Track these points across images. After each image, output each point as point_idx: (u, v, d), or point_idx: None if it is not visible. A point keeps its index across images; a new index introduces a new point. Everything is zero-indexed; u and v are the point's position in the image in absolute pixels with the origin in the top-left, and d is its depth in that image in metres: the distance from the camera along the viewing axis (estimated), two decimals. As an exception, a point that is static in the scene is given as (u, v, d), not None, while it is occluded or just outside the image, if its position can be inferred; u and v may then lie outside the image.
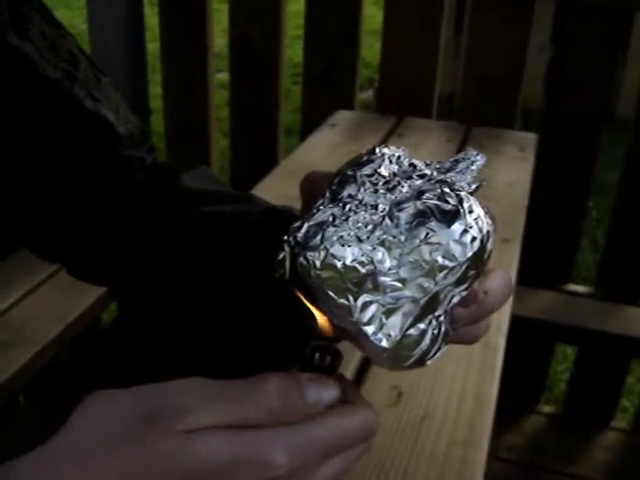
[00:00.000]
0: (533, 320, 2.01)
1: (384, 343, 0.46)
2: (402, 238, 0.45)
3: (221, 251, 0.66)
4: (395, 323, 0.45)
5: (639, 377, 2.51)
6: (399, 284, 0.45)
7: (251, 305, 0.63)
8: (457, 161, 0.52)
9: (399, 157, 0.52)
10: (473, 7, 1.90)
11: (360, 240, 0.45)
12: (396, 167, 0.51)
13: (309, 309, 0.48)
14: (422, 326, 0.46)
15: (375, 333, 0.45)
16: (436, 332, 0.47)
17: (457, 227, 0.45)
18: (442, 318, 0.47)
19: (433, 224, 0.45)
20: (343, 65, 2.03)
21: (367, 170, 0.50)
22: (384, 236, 0.45)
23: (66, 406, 0.44)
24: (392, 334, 0.46)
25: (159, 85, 2.32)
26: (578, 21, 1.84)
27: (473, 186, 0.50)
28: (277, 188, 1.32)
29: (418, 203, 0.46)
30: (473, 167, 0.51)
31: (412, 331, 0.46)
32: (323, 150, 1.57)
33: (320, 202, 0.48)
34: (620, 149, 1.99)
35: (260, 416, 0.42)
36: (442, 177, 0.49)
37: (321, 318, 0.48)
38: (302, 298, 0.47)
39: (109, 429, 0.41)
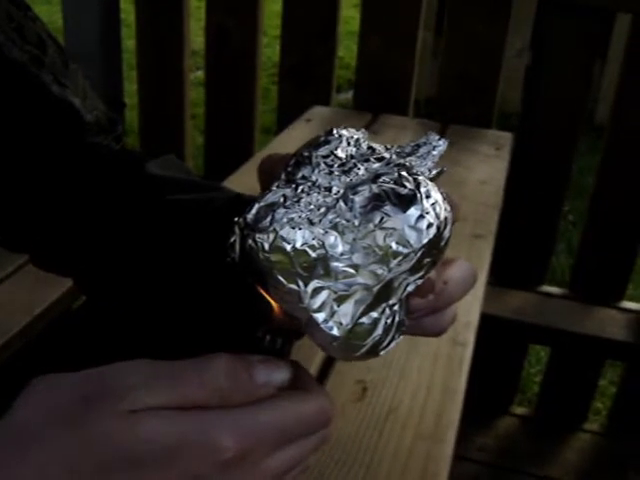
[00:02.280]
0: (506, 320, 2.02)
1: (335, 331, 0.44)
2: (356, 222, 0.44)
3: (183, 238, 0.65)
4: (347, 311, 0.44)
5: (612, 379, 2.51)
6: (352, 270, 0.44)
7: (205, 289, 0.62)
8: (418, 145, 0.51)
9: (357, 139, 0.51)
10: (451, 6, 1.91)
11: (312, 223, 0.44)
12: (354, 149, 0.50)
13: (262, 295, 0.46)
14: (375, 315, 0.45)
15: (326, 321, 0.44)
16: (390, 321, 0.45)
17: (413, 212, 0.44)
18: (396, 307, 0.46)
19: (388, 208, 0.43)
20: (319, 62, 2.02)
21: (323, 151, 0.48)
22: (337, 219, 0.44)
23: (14, 392, 0.43)
24: (343, 322, 0.44)
25: (136, 82, 2.30)
26: (557, 23, 1.84)
27: (434, 172, 0.49)
28: (248, 181, 1.30)
29: (374, 186, 0.45)
30: (434, 152, 0.50)
31: (364, 320, 0.44)
32: (297, 144, 1.55)
33: (275, 184, 0.47)
34: (598, 154, 2.00)
35: (207, 396, 0.41)
36: (401, 161, 0.48)
37: (275, 304, 0.46)
38: (253, 283, 0.46)
39: (50, 411, 0.40)
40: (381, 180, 0.45)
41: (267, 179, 0.55)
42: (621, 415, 2.24)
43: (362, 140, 0.51)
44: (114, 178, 0.70)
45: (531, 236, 2.09)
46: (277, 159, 0.55)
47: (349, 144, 0.50)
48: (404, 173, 0.45)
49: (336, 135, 0.50)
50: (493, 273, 2.09)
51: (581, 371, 2.20)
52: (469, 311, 0.95)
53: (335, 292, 0.44)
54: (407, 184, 0.44)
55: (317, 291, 0.44)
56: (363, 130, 0.52)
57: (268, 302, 0.47)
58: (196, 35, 2.46)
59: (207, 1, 2.07)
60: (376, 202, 0.44)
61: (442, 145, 0.51)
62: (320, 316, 0.44)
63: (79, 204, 0.69)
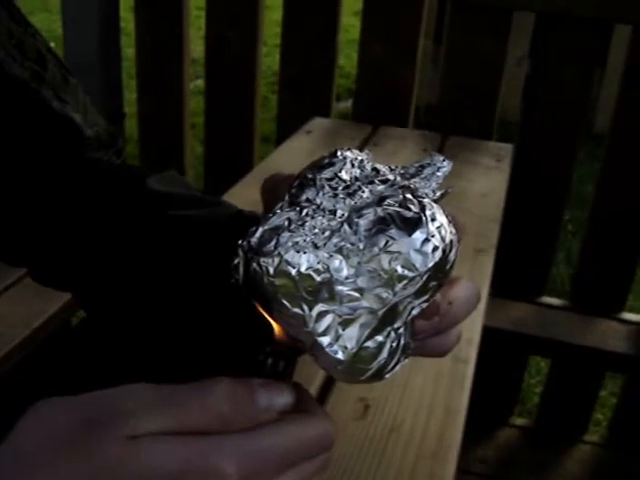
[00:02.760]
0: (507, 332, 2.01)
1: (340, 355, 0.44)
2: (361, 246, 0.43)
3: (186, 255, 0.65)
4: (352, 335, 0.44)
5: (612, 391, 2.51)
6: (356, 294, 0.43)
7: (206, 308, 0.61)
8: (422, 167, 0.50)
9: (362, 161, 0.50)
10: (452, 16, 1.91)
11: (316, 247, 0.43)
12: (358, 171, 0.49)
13: (265, 317, 0.46)
14: (380, 338, 0.44)
15: (331, 345, 0.44)
16: (395, 345, 0.45)
17: (418, 236, 0.43)
18: (401, 330, 0.45)
19: (393, 232, 0.43)
20: (319, 72, 2.02)
21: (327, 173, 0.48)
22: (342, 243, 0.43)
23: (15, 415, 0.42)
24: (348, 346, 0.44)
25: (135, 91, 2.30)
26: (556, 34, 1.85)
27: (438, 193, 0.48)
28: (249, 193, 1.30)
29: (378, 209, 0.44)
30: (439, 173, 0.50)
31: (369, 343, 0.44)
32: (297, 156, 1.56)
33: (279, 206, 0.46)
34: (597, 163, 2.00)
35: (209, 421, 0.40)
36: (405, 183, 0.47)
37: (278, 327, 0.46)
38: (256, 306, 0.46)
39: (52, 435, 0.39)
40: (386, 203, 0.44)
41: (270, 199, 0.54)
42: (621, 427, 2.24)
43: (366, 161, 0.50)
44: (115, 194, 0.69)
45: (531, 247, 2.08)
46: (280, 179, 0.55)
47: (353, 166, 0.49)
48: (409, 196, 0.45)
49: (340, 157, 0.50)
50: (493, 285, 2.08)
51: (581, 383, 2.20)
52: (471, 328, 0.94)
53: (340, 316, 0.43)
54: (412, 207, 0.44)
55: (322, 315, 0.43)
56: (367, 151, 0.52)
57: (270, 324, 0.46)
58: (196, 44, 2.46)
59: (207, 11, 2.08)
60: (381, 225, 0.43)
61: (446, 166, 0.51)
62: (325, 340, 0.44)
63: (79, 219, 0.69)
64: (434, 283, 0.45)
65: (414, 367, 0.84)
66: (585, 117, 1.93)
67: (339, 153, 0.50)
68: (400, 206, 0.44)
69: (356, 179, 0.48)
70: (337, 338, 0.44)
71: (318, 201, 0.46)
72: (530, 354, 2.25)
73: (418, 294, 0.44)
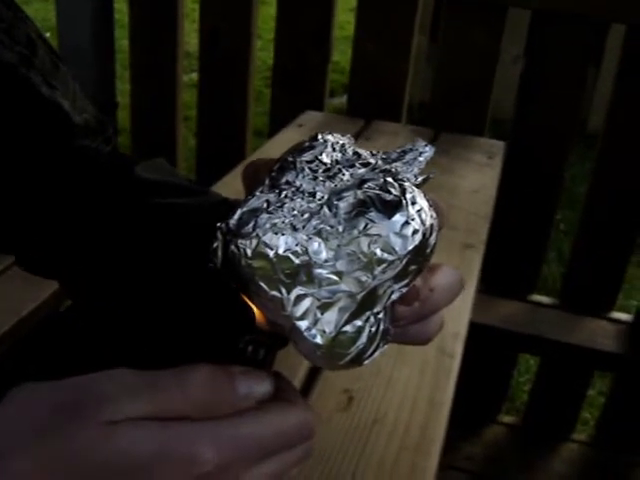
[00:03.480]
0: (496, 329, 2.02)
1: (318, 340, 0.43)
2: (340, 228, 0.43)
3: (168, 242, 0.65)
4: (330, 319, 0.43)
5: (601, 390, 2.52)
6: (335, 277, 0.43)
7: (188, 295, 0.61)
8: (404, 152, 0.50)
9: (343, 145, 0.50)
10: (447, 12, 1.91)
11: (295, 229, 0.43)
12: (339, 155, 0.49)
13: (245, 302, 0.46)
14: (359, 323, 0.44)
15: (309, 329, 0.43)
16: (374, 330, 0.45)
17: (398, 219, 0.43)
18: (381, 315, 0.45)
19: (373, 214, 0.43)
20: (313, 67, 2.02)
21: (307, 156, 0.48)
22: (321, 225, 0.43)
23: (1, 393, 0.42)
24: (327, 330, 0.43)
25: (129, 82, 2.30)
26: (551, 31, 1.85)
27: (420, 178, 0.48)
28: (239, 185, 1.30)
29: (358, 192, 0.44)
30: (421, 158, 0.49)
31: (348, 328, 0.44)
32: (289, 149, 1.56)
33: (259, 189, 0.46)
34: (590, 163, 2.00)
35: (187, 407, 0.40)
36: (387, 167, 0.47)
37: (259, 312, 0.46)
38: (236, 290, 0.45)
39: (29, 420, 0.39)
40: (366, 186, 0.44)
41: (251, 184, 0.54)
42: (609, 426, 2.24)
43: (348, 146, 0.50)
44: (102, 181, 0.69)
45: (522, 245, 2.09)
46: (261, 164, 0.55)
47: (334, 149, 0.49)
48: (389, 179, 0.45)
49: (321, 140, 0.50)
50: (483, 281, 2.09)
51: (570, 381, 2.20)
52: (458, 322, 0.94)
53: (318, 299, 0.43)
54: (392, 190, 0.44)
55: (300, 298, 0.43)
56: (349, 136, 0.51)
57: (251, 310, 0.46)
58: (190, 37, 2.45)
59: (201, 4, 2.07)
60: (361, 208, 0.43)
61: (428, 151, 0.51)
62: (303, 324, 0.43)
63: (66, 206, 0.68)
64: (414, 267, 0.44)
65: (399, 359, 0.84)
66: (579, 115, 1.93)
67: (320, 137, 0.50)
68: (380, 189, 0.44)
69: (337, 162, 0.48)
70: (315, 322, 0.43)
71: (298, 183, 0.46)
72: (519, 352, 2.25)
73: (398, 278, 0.44)
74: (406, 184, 0.45)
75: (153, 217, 0.66)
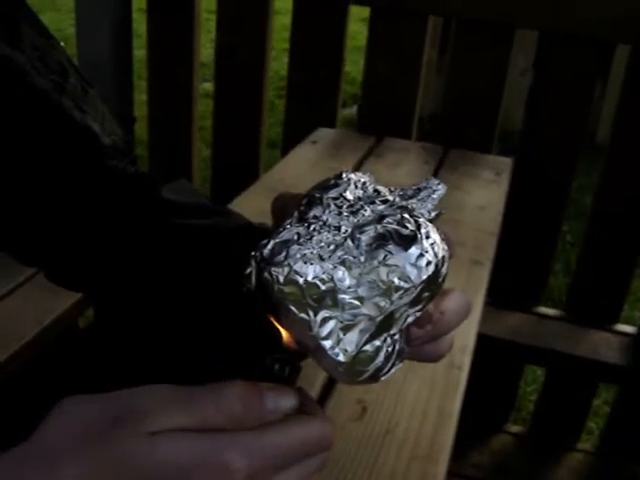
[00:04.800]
0: (503, 341, 2.05)
1: (340, 357, 0.48)
2: (362, 259, 0.48)
3: (195, 263, 0.69)
4: (352, 339, 0.48)
5: (606, 399, 2.54)
6: (357, 302, 0.48)
7: (217, 315, 0.65)
8: (419, 189, 0.55)
9: (364, 183, 0.55)
10: (457, 30, 1.95)
11: (322, 259, 0.48)
12: (361, 192, 0.54)
13: (273, 323, 0.50)
14: (377, 343, 0.49)
15: (332, 347, 0.48)
16: (390, 349, 0.50)
17: (414, 251, 0.48)
18: (397, 336, 0.50)
19: (391, 247, 0.48)
20: (326, 81, 2.06)
21: (333, 193, 0.53)
22: (345, 256, 0.48)
23: (38, 412, 0.46)
24: (348, 349, 0.48)
25: (145, 92, 2.34)
26: (559, 49, 1.89)
27: (433, 214, 0.53)
28: (256, 203, 1.34)
29: (378, 227, 0.49)
30: (434, 195, 0.55)
31: (367, 347, 0.49)
32: (303, 166, 1.60)
33: (288, 221, 0.51)
34: (598, 174, 2.02)
35: (220, 420, 0.44)
36: (403, 203, 0.52)
37: (285, 332, 0.50)
38: (265, 312, 0.50)
39: (78, 432, 0.43)
40: (385, 221, 0.49)
41: (280, 215, 0.59)
42: (613, 436, 2.26)
43: (368, 183, 0.55)
44: (131, 201, 0.73)
45: (528, 258, 2.12)
46: (288, 198, 0.60)
47: (356, 187, 0.54)
48: (406, 215, 0.50)
49: (345, 179, 0.55)
50: (491, 294, 2.12)
51: (575, 392, 2.23)
52: (466, 336, 0.98)
53: (341, 322, 0.48)
54: (409, 225, 0.49)
55: (325, 320, 0.48)
56: (369, 174, 0.56)
57: (278, 330, 0.51)
58: (204, 47, 2.48)
59: (217, 20, 2.12)
60: (380, 241, 0.48)
61: (441, 189, 0.56)
62: (327, 343, 0.48)
63: (96, 226, 0.72)
64: (427, 294, 0.50)
65: (410, 373, 0.88)
66: (586, 129, 1.96)
67: (344, 175, 0.55)
68: (398, 224, 0.49)
69: (359, 199, 0.53)
70: (338, 342, 0.48)
71: (324, 218, 0.51)
72: (525, 363, 2.28)
73: (413, 303, 0.49)
74: (421, 220, 0.50)
75: (180, 237, 0.70)
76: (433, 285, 0.50)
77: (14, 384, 1.34)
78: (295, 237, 0.49)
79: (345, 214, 0.51)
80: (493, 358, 2.20)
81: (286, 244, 0.49)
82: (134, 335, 0.77)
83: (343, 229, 0.50)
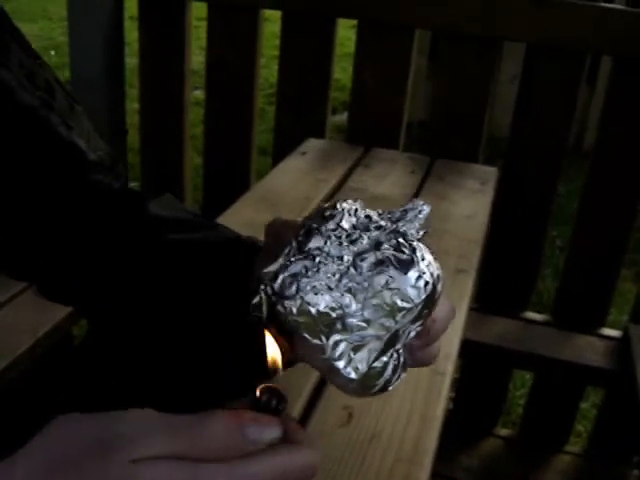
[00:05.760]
0: (491, 346, 2.08)
1: (353, 375, 0.53)
2: (365, 285, 0.52)
3: (186, 278, 0.71)
4: (362, 358, 0.53)
5: (594, 402, 2.57)
6: (364, 324, 0.53)
7: (210, 334, 0.68)
8: (406, 211, 0.59)
9: (356, 210, 0.59)
10: (443, 42, 1.98)
11: (330, 288, 0.52)
12: (354, 219, 0.58)
13: (260, 347, 0.54)
14: (385, 359, 0.54)
15: (345, 367, 0.53)
16: (396, 363, 0.54)
17: (412, 274, 0.53)
18: (401, 350, 0.54)
19: (392, 272, 0.53)
20: (315, 92, 2.10)
21: (331, 225, 0.56)
22: (350, 284, 0.53)
23: (33, 421, 0.48)
24: (359, 367, 0.53)
25: (136, 100, 2.36)
26: (542, 60, 1.92)
27: (421, 232, 0.57)
28: (246, 214, 1.37)
29: (378, 253, 0.54)
30: (420, 215, 0.58)
31: (377, 364, 0.53)
32: (292, 177, 1.62)
33: (287, 250, 0.55)
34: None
35: (203, 450, 0.45)
36: (395, 227, 0.56)
37: (273, 356, 0.54)
38: (265, 335, 0.53)
39: (61, 457, 0.44)
40: (383, 247, 0.54)
41: (273, 242, 0.63)
42: (601, 438, 2.29)
43: (360, 209, 0.59)
44: (117, 217, 0.75)
45: (516, 265, 2.15)
46: (280, 224, 0.64)
47: (350, 215, 0.58)
48: (401, 240, 0.54)
49: (339, 209, 0.58)
50: (479, 300, 2.16)
51: (563, 396, 2.26)
52: (450, 343, 1.00)
53: (351, 343, 0.53)
54: (405, 250, 0.54)
55: (337, 344, 0.53)
56: (360, 200, 0.60)
57: (266, 356, 0.54)
58: (195, 54, 2.50)
59: (208, 34, 2.15)
60: (381, 267, 0.53)
61: (426, 209, 0.59)
62: (340, 364, 0.53)
63: (83, 241, 0.74)
64: (426, 310, 0.54)
65: (396, 380, 0.90)
66: (568, 138, 1.99)
67: (338, 205, 0.59)
68: (395, 250, 0.54)
69: (354, 227, 0.57)
70: (350, 361, 0.53)
71: (327, 249, 0.55)
72: (513, 367, 2.31)
73: (414, 321, 0.54)
74: (415, 243, 0.55)
75: (171, 253, 0.72)
76: (431, 302, 0.54)
77: (10, 394, 1.36)
78: (303, 270, 0.53)
79: (345, 244, 0.55)
80: (482, 363, 2.23)
81: (296, 277, 0.53)
82: (125, 349, 0.79)
83: (345, 258, 0.54)
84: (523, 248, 2.13)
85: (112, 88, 2.30)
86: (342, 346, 0.53)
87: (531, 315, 2.20)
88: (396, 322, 0.53)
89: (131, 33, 2.32)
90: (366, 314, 0.52)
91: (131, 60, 2.41)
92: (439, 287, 0.55)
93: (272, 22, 3.06)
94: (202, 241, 0.73)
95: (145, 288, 0.73)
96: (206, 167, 2.36)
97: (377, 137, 1.99)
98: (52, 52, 6.13)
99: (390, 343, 0.53)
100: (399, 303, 0.52)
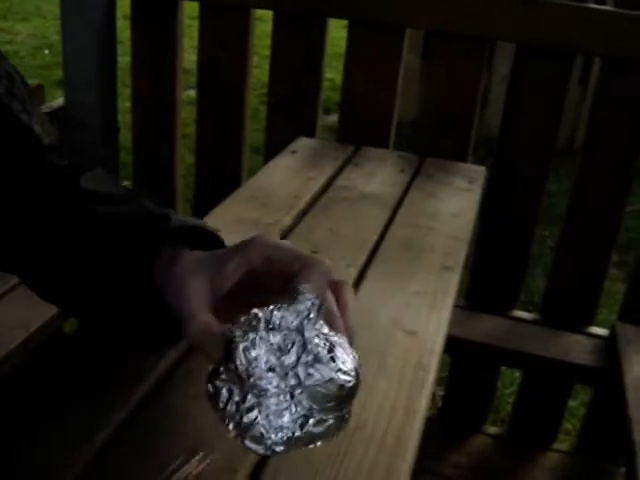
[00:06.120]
0: (480, 344, 2.09)
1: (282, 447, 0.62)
2: (304, 387, 0.61)
3: (105, 250, 0.77)
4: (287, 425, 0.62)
5: (583, 401, 2.59)
6: (303, 412, 0.61)
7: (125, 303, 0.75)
8: (295, 296, 0.65)
9: (281, 320, 0.64)
10: (432, 42, 2.00)
11: (282, 415, 0.61)
12: (277, 330, 0.63)
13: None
14: (328, 422, 0.64)
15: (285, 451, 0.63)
16: (335, 424, 0.64)
17: (335, 367, 0.61)
18: (331, 421, 0.64)
19: (320, 370, 0.61)
20: (306, 93, 2.12)
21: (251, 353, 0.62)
22: (287, 396, 0.61)
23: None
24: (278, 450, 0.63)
25: (129, 99, 2.37)
26: (532, 60, 1.94)
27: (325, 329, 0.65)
28: (236, 211, 1.39)
29: (302, 356, 0.61)
30: (319, 312, 0.65)
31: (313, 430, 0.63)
32: (282, 175, 1.64)
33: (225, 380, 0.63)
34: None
35: None
36: (309, 327, 0.63)
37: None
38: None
39: None
40: (308, 349, 0.61)
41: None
42: (589, 436, 2.32)
43: (261, 318, 0.64)
44: (56, 192, 0.80)
45: (504, 264, 2.17)
46: (208, 336, 0.69)
47: (274, 328, 0.63)
48: (318, 341, 0.62)
49: (259, 318, 0.64)
50: (468, 298, 2.18)
51: (551, 393, 2.28)
52: (434, 339, 1.01)
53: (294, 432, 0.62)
54: (323, 349, 0.61)
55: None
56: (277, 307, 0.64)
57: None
58: (188, 53, 2.51)
59: (199, 33, 2.16)
60: (308, 368, 0.61)
61: (316, 301, 0.64)
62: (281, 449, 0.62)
63: (33, 217, 0.78)
64: (352, 399, 0.64)
65: (379, 372, 0.92)
66: (557, 136, 2.01)
67: (233, 333, 0.64)
68: (315, 350, 0.61)
69: (284, 336, 0.62)
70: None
71: (264, 381, 0.61)
72: (501, 365, 2.33)
73: (341, 405, 0.63)
74: (332, 339, 0.63)
75: (94, 225, 0.78)
76: (356, 389, 0.63)
77: (2, 388, 1.37)
78: (258, 412, 0.61)
79: (278, 358, 0.61)
80: (470, 361, 2.25)
81: (253, 423, 0.61)
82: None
83: (279, 371, 0.61)
84: (512, 247, 2.14)
85: (104, 87, 2.31)
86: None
87: (519, 314, 2.22)
88: (325, 409, 0.62)
89: (125, 32, 2.33)
90: (307, 405, 0.61)
91: (124, 59, 2.42)
92: (359, 370, 0.63)
93: (265, 22, 3.08)
94: (124, 214, 0.79)
95: (70, 256, 0.78)
96: (198, 166, 2.38)
97: (367, 136, 2.01)
98: (46, 51, 6.13)
99: (320, 421, 0.62)
100: (333, 392, 0.61)
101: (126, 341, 0.80)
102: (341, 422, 0.64)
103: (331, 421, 0.63)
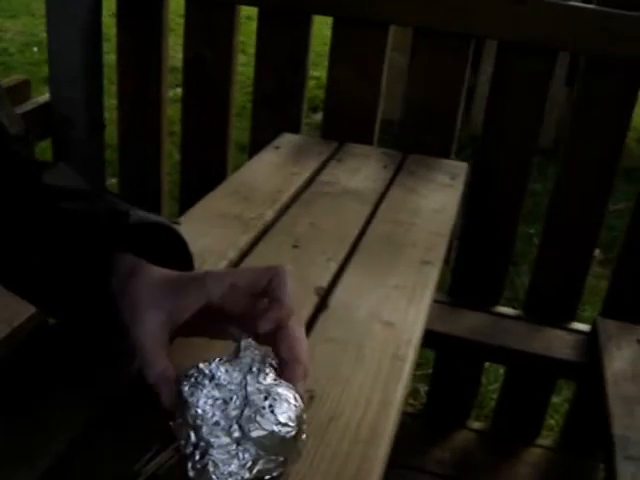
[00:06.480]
0: (463, 339, 2.11)
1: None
2: (249, 438, 0.64)
3: (67, 246, 0.77)
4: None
5: (566, 397, 2.60)
6: (250, 457, 0.65)
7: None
8: (239, 350, 0.70)
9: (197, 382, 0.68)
10: (416, 38, 2.01)
11: (232, 455, 0.65)
12: (225, 387, 0.67)
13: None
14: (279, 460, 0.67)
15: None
16: (289, 459, 0.68)
17: (276, 419, 0.65)
18: (288, 453, 0.68)
19: (262, 425, 0.65)
20: (290, 90, 2.12)
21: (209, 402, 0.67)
22: (234, 448, 0.65)
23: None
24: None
25: (115, 96, 2.37)
26: (514, 58, 1.96)
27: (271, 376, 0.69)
28: (218, 205, 1.40)
29: (245, 410, 0.65)
30: (253, 354, 0.70)
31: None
32: (265, 170, 1.65)
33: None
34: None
35: None
36: (258, 380, 0.68)
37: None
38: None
39: None
40: (252, 403, 0.65)
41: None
42: (572, 432, 2.33)
43: (200, 379, 0.67)
44: (12, 182, 0.80)
45: (488, 259, 2.18)
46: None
47: (220, 385, 0.67)
48: (259, 395, 0.66)
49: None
50: (451, 294, 2.19)
51: (534, 389, 2.29)
52: (412, 330, 1.02)
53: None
54: (265, 402, 0.65)
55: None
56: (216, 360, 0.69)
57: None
58: (175, 51, 2.52)
59: (185, 32, 2.17)
60: (253, 424, 0.64)
61: (259, 354, 0.70)
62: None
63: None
64: (301, 434, 0.68)
65: (357, 364, 0.93)
66: (538, 133, 2.03)
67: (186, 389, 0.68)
68: (259, 409, 0.65)
69: (229, 391, 0.66)
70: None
71: (214, 436, 0.65)
72: (485, 361, 2.35)
73: (287, 450, 0.67)
74: (274, 390, 0.67)
75: (54, 222, 0.78)
76: (299, 433, 0.67)
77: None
78: (208, 460, 0.64)
79: (222, 411, 0.66)
80: (454, 356, 2.26)
81: (205, 469, 0.64)
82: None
83: (223, 424, 0.65)
84: (495, 243, 2.16)
85: (90, 84, 2.31)
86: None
87: (503, 309, 2.23)
88: (272, 453, 0.65)
89: (112, 29, 2.33)
90: (251, 452, 0.65)
91: (111, 56, 2.42)
92: (302, 417, 0.68)
93: (255, 20, 3.08)
94: (85, 210, 0.79)
95: (28, 250, 0.78)
96: (183, 163, 2.39)
97: (352, 133, 2.02)
98: (35, 49, 6.12)
99: (266, 464, 0.66)
100: (276, 443, 0.65)
101: (105, 332, 0.81)
102: (295, 456, 0.69)
103: (281, 459, 0.67)
